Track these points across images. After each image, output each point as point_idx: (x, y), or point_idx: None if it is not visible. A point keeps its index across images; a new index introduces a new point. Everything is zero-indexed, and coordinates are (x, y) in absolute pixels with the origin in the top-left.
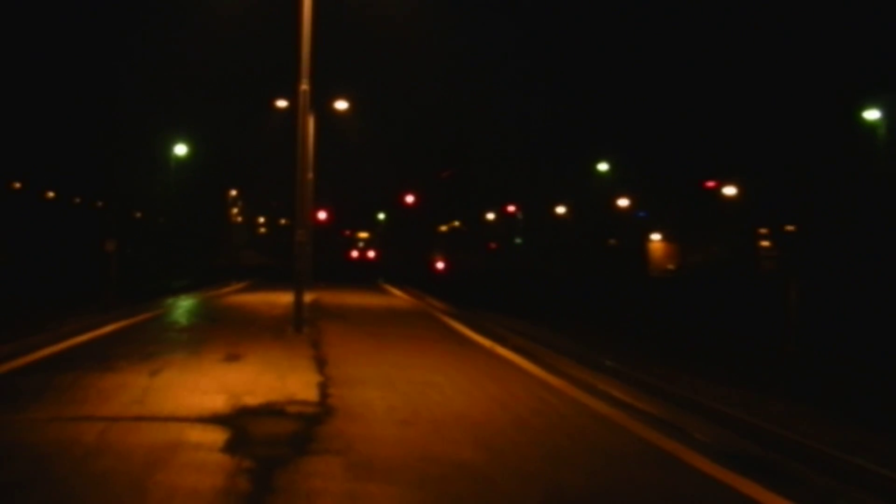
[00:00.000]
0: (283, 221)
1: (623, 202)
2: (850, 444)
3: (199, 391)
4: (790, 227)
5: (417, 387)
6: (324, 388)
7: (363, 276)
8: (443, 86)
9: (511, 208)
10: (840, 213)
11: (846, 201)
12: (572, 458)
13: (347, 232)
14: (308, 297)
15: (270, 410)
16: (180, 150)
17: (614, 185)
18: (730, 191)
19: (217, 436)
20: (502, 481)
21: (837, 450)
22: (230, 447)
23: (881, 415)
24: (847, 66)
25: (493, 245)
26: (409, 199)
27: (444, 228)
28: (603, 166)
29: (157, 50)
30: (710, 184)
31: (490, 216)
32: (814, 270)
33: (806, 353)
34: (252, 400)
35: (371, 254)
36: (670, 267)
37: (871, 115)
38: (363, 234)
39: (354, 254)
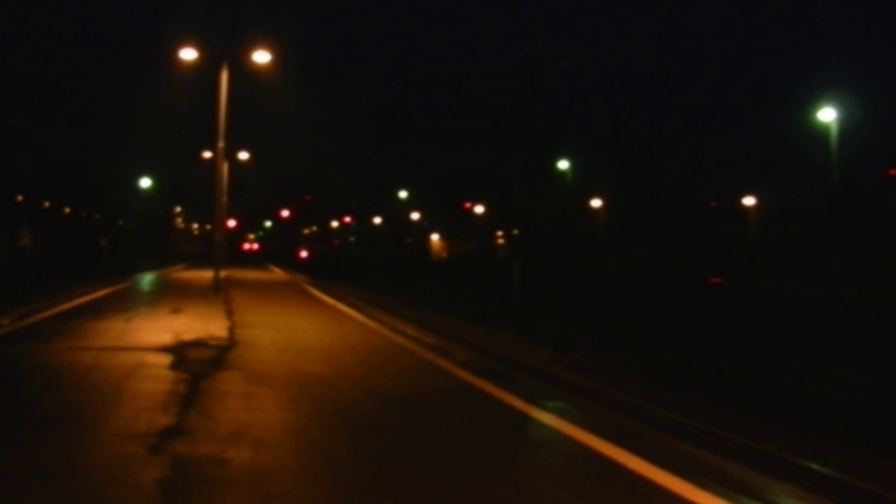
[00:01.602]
0: (208, 227)
1: (415, 215)
2: (550, 360)
3: (156, 331)
4: (515, 231)
5: (289, 328)
6: (231, 329)
7: (257, 261)
8: (308, 140)
9: (347, 219)
10: (543, 224)
11: (547, 217)
12: (383, 371)
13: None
14: (223, 274)
15: (199, 343)
16: (145, 182)
17: (410, 205)
18: (479, 209)
19: (166, 359)
20: (340, 385)
21: (542, 364)
22: (174, 366)
23: (568, 343)
24: (548, 131)
25: (336, 241)
26: (285, 213)
27: (306, 231)
28: (403, 194)
29: (136, 117)
30: (468, 204)
31: (335, 223)
32: (529, 258)
33: (525, 308)
34: (188, 336)
35: (255, 246)
36: (444, 255)
37: (563, 164)
38: (251, 236)
39: (246, 246)
